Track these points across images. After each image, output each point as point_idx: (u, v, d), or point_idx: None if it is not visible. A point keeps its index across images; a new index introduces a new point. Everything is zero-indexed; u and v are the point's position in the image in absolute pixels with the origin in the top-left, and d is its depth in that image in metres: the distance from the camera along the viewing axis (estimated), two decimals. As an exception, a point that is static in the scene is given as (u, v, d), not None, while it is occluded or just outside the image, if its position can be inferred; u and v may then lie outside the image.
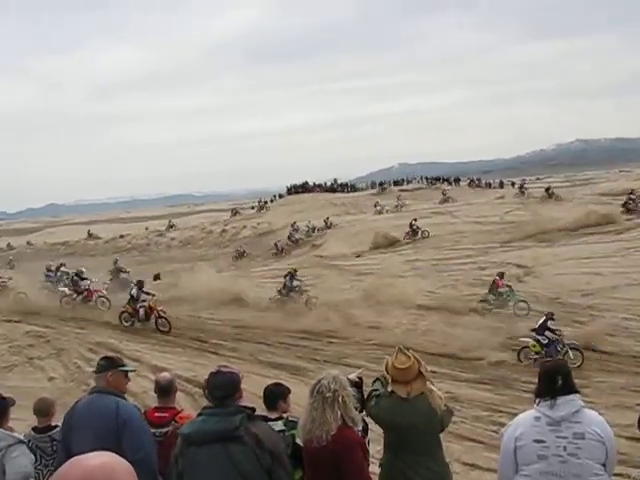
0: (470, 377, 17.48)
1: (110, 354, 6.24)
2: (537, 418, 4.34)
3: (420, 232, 39.31)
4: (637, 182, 55.58)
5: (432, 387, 5.21)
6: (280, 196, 74.08)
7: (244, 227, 56.52)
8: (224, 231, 57.20)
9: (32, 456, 5.77)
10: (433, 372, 16.71)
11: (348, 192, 70.35)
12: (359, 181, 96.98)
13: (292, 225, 47.33)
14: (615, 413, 12.78)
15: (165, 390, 6.25)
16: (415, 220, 40.86)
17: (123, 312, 23.08)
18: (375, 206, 54.02)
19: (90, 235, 65.84)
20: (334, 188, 71.89)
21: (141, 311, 22.64)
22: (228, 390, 4.40)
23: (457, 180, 74.70)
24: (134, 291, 23.14)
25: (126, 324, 22.91)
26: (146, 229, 67.31)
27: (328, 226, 47.33)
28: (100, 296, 25.60)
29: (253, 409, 4.48)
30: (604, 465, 4.25)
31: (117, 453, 4.72)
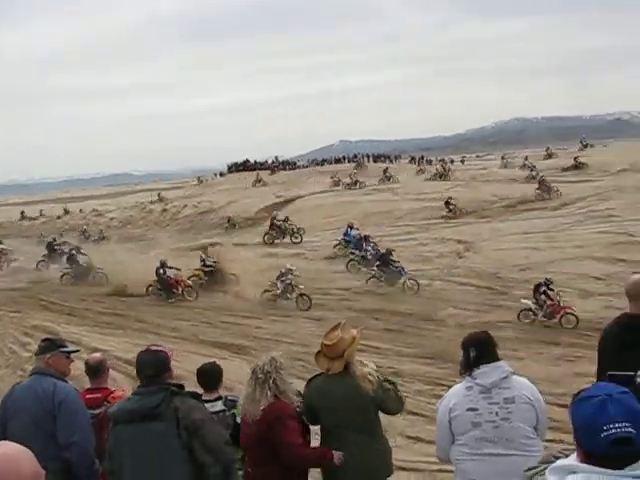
0: (412, 352, 17.63)
1: (51, 335, 6.10)
2: (469, 387, 4.46)
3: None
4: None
5: (358, 368, 4.99)
6: (221, 174, 73.38)
7: (185, 206, 55.86)
8: (165, 210, 56.48)
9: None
10: (377, 348, 16.91)
11: (289, 170, 70.05)
12: (300, 159, 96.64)
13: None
14: (550, 382, 13.08)
15: (96, 370, 6.11)
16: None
17: None
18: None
19: (23, 216, 63.70)
20: (275, 166, 71.50)
21: None
22: (155, 368, 4.38)
23: (398, 157, 75.12)
24: None
25: None
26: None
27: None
28: None
29: (180, 385, 4.46)
30: (535, 429, 4.39)
31: (54, 435, 4.68)
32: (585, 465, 2.17)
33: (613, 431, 2.12)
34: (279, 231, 35.06)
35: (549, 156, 61.93)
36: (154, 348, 4.56)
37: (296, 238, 34.23)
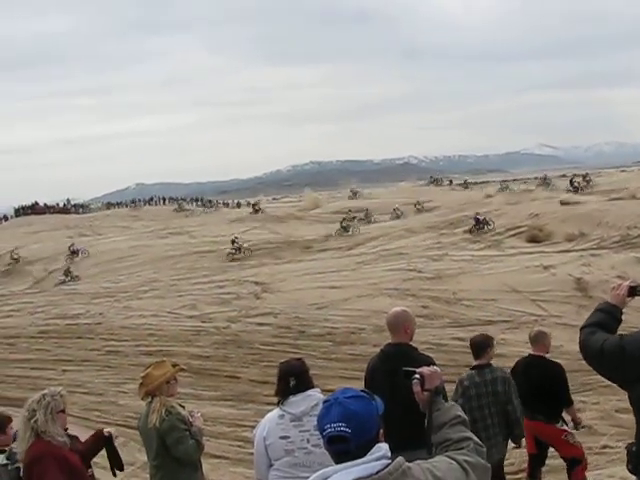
0: (212, 395, 17.44)
1: None
2: (281, 416, 4.65)
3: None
4: (367, 201, 59.58)
5: (155, 402, 5.29)
6: (6, 218, 69.40)
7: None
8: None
9: None
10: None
11: (82, 213, 67.67)
12: (94, 202, 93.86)
13: None
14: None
15: None
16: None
17: None
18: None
19: None
20: (67, 209, 68.82)
21: None
22: None
23: (196, 200, 74.88)
24: None
25: None
26: None
27: None
28: None
29: None
30: None
31: None
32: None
33: (329, 430, 2.38)
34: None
35: (354, 195, 64.75)
36: None
37: None
